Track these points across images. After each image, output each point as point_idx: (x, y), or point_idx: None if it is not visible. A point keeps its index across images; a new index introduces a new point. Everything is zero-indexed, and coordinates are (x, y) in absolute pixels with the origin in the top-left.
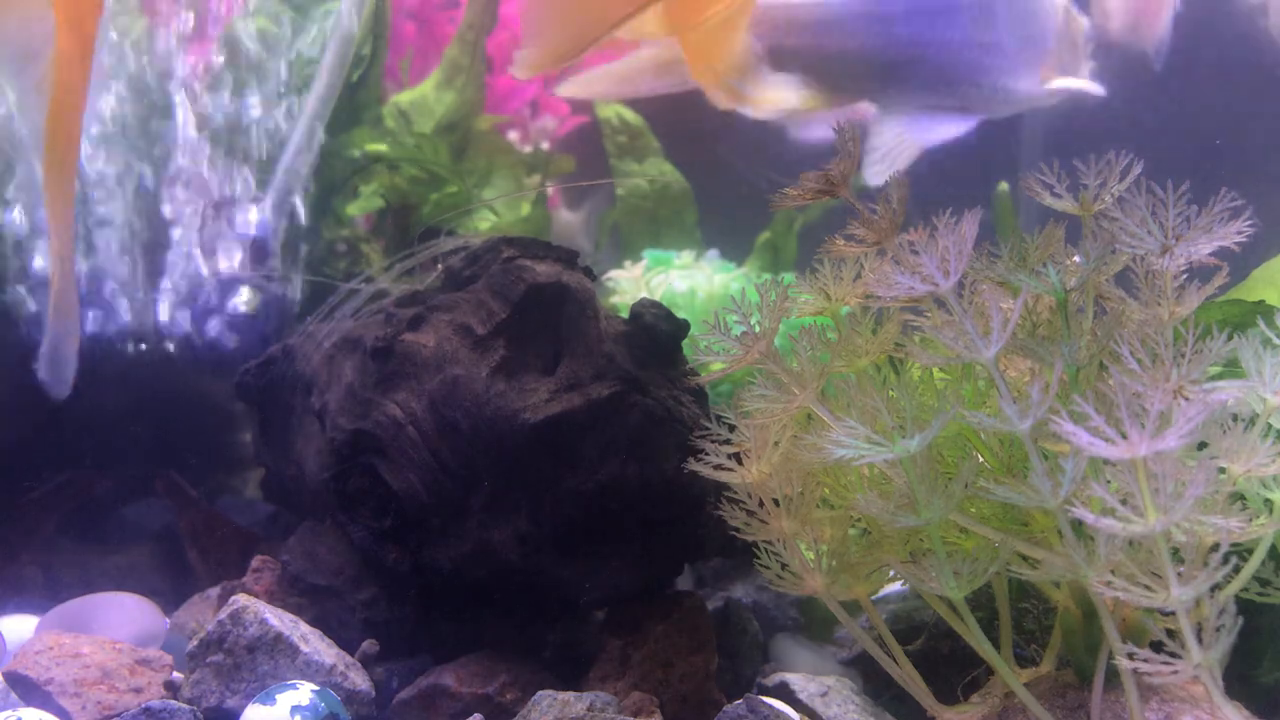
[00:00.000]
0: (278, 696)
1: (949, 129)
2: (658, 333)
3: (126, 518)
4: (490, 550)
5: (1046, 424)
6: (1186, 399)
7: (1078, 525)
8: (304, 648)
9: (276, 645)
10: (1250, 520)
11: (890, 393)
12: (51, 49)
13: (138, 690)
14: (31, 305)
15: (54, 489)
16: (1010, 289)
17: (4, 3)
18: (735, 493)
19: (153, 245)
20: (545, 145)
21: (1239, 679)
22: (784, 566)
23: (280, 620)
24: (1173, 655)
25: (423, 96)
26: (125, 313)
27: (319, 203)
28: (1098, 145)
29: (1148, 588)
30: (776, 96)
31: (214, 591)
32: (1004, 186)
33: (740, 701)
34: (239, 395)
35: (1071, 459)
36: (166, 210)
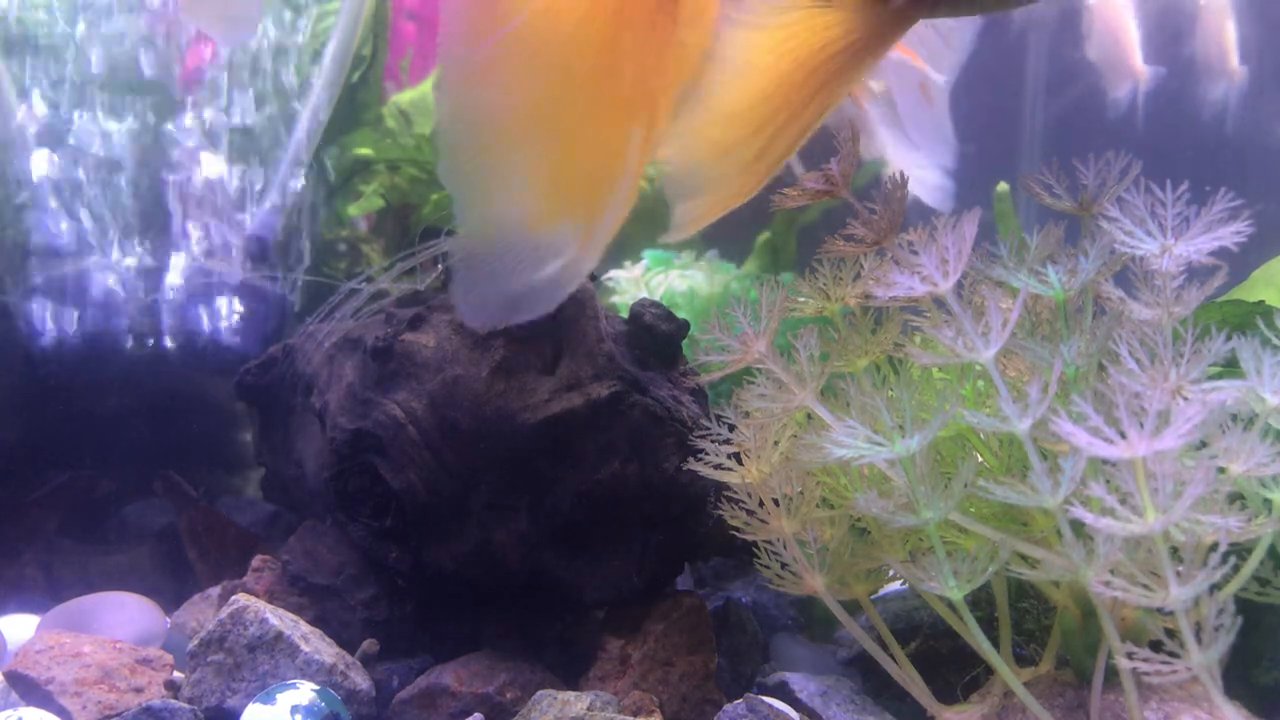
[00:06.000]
0: (278, 696)
1: None
2: (658, 332)
3: (127, 518)
4: (490, 550)
5: (1046, 424)
6: (1185, 399)
7: (1077, 525)
8: (304, 647)
9: (277, 644)
10: (1249, 520)
11: (890, 392)
12: None
13: (138, 690)
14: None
15: (55, 489)
16: (1009, 289)
17: None
18: (735, 492)
19: (153, 245)
20: None
21: (1239, 679)
22: (784, 566)
23: (281, 620)
24: (1172, 655)
25: (423, 96)
26: (126, 312)
27: (319, 203)
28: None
29: (1147, 587)
30: None
31: (214, 591)
32: (1004, 187)
33: (740, 701)
34: (239, 395)
35: (1071, 459)
36: (167, 210)
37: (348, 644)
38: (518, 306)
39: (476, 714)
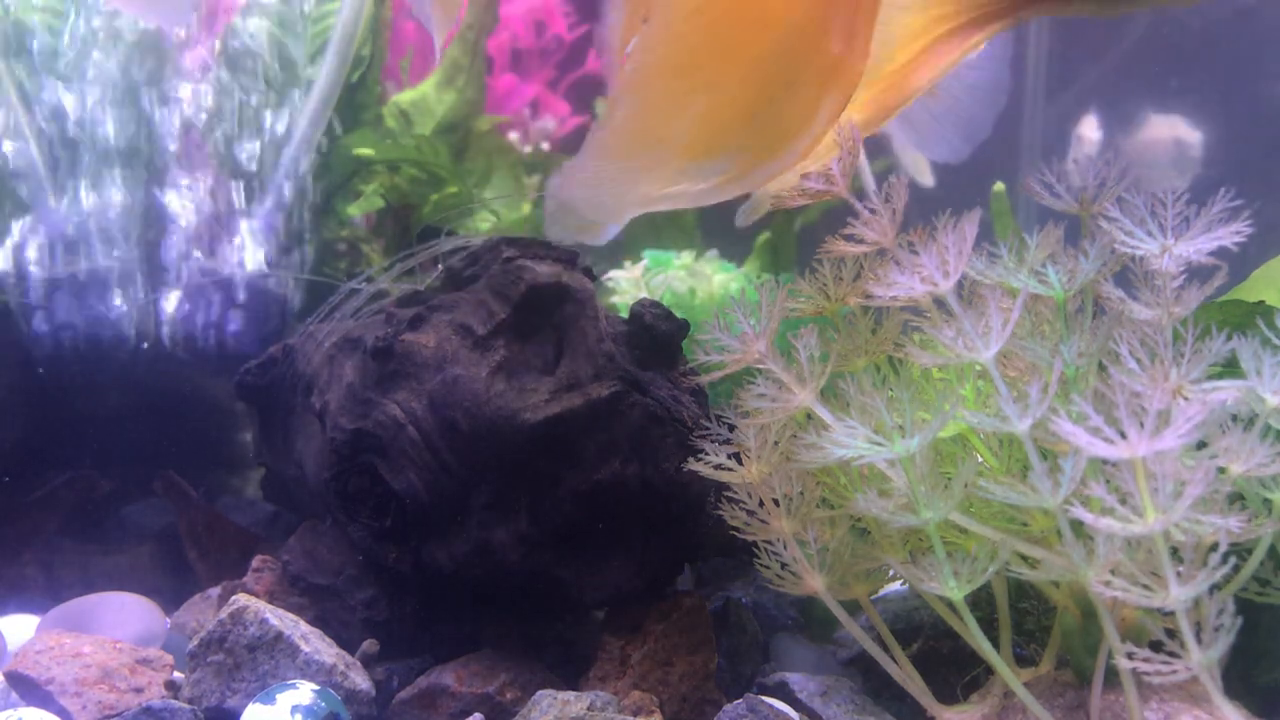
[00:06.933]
0: (278, 696)
1: None
2: (658, 332)
3: (127, 518)
4: (490, 550)
5: (1046, 424)
6: (1185, 399)
7: (1077, 525)
8: (304, 647)
9: (277, 645)
10: (1249, 520)
11: (890, 392)
12: None
13: (138, 690)
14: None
15: (55, 489)
16: (1009, 289)
17: None
18: (735, 493)
19: (153, 244)
20: (545, 145)
21: (1239, 679)
22: (784, 566)
23: (280, 620)
24: (1172, 655)
25: (423, 96)
26: (125, 312)
27: (319, 203)
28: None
29: (1147, 588)
30: None
31: (214, 591)
32: (1000, 187)
33: (740, 701)
34: (239, 395)
35: (1071, 459)
36: (166, 209)
37: (348, 644)
38: (611, 217)
39: (476, 714)
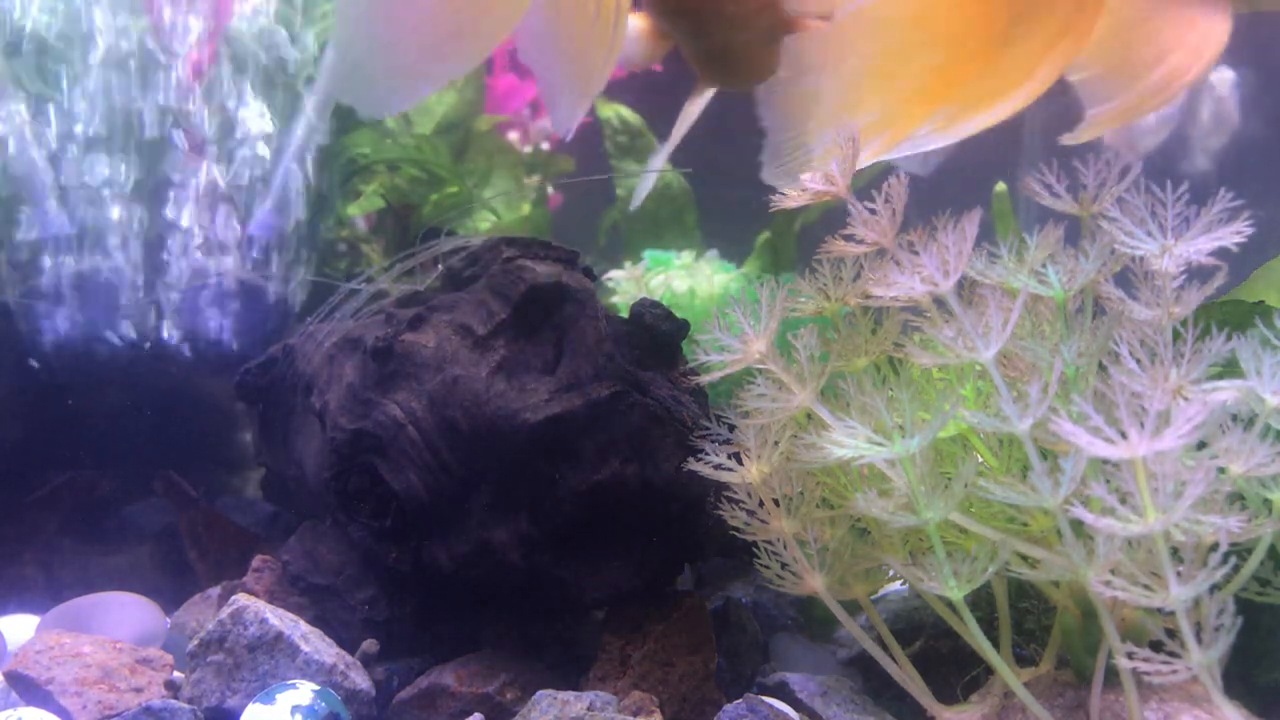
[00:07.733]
0: (278, 696)
1: None
2: (658, 332)
3: (127, 518)
4: (490, 550)
5: (1046, 424)
6: (1186, 399)
7: (1077, 525)
8: (304, 647)
9: (277, 645)
10: (1249, 520)
11: (890, 392)
12: None
13: (138, 689)
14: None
15: (55, 489)
16: (1009, 289)
17: None
18: (735, 492)
19: (152, 244)
20: (545, 145)
21: (1239, 679)
22: (784, 566)
23: (280, 620)
24: (1172, 655)
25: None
26: (125, 312)
27: (319, 203)
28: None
29: (1147, 587)
30: None
31: (214, 591)
32: (1002, 187)
33: (740, 701)
34: (239, 395)
35: (1071, 459)
36: (166, 209)
37: (348, 644)
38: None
39: (476, 714)
